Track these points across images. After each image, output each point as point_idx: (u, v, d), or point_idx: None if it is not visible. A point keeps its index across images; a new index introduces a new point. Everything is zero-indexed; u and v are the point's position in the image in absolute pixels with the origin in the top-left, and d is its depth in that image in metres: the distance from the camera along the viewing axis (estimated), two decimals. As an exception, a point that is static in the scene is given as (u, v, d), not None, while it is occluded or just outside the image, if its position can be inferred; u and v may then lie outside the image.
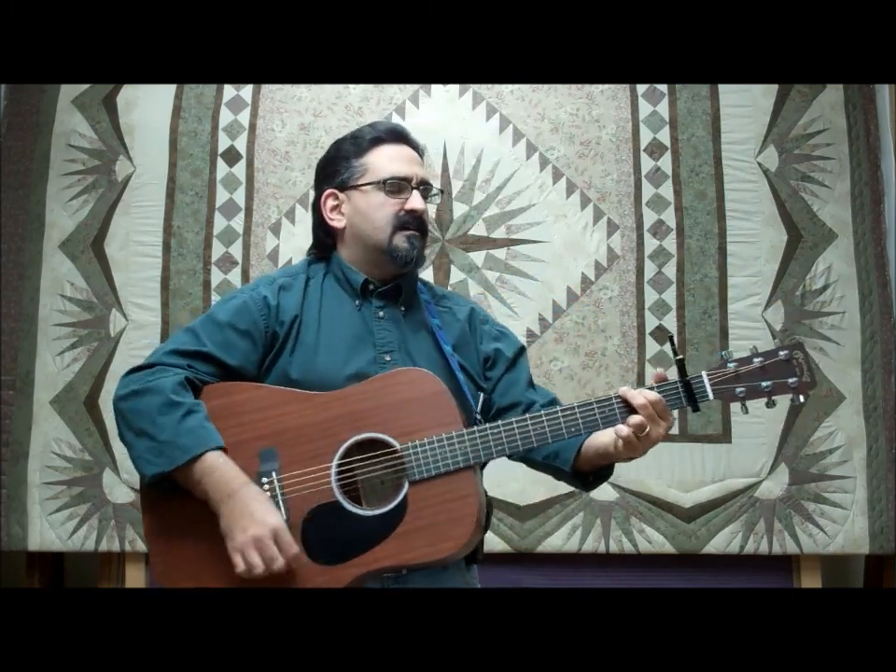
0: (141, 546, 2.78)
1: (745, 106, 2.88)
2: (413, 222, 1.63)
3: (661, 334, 2.80)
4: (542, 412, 1.52)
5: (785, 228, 2.82)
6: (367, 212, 1.64)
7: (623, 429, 1.47)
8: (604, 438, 1.55)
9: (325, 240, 1.71)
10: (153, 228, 2.92)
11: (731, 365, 1.50)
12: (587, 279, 2.83)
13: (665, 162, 2.87)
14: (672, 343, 1.55)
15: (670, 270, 2.82)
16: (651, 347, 2.79)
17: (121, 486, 2.81)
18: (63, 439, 2.85)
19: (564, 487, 2.72)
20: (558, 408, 1.51)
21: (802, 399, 1.51)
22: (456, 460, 1.48)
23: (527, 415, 1.52)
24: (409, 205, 1.63)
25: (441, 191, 1.74)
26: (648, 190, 2.86)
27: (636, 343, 2.79)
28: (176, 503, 1.53)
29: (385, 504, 1.48)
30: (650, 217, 2.85)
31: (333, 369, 1.58)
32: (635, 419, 1.47)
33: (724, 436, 2.74)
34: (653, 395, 1.48)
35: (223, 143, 2.95)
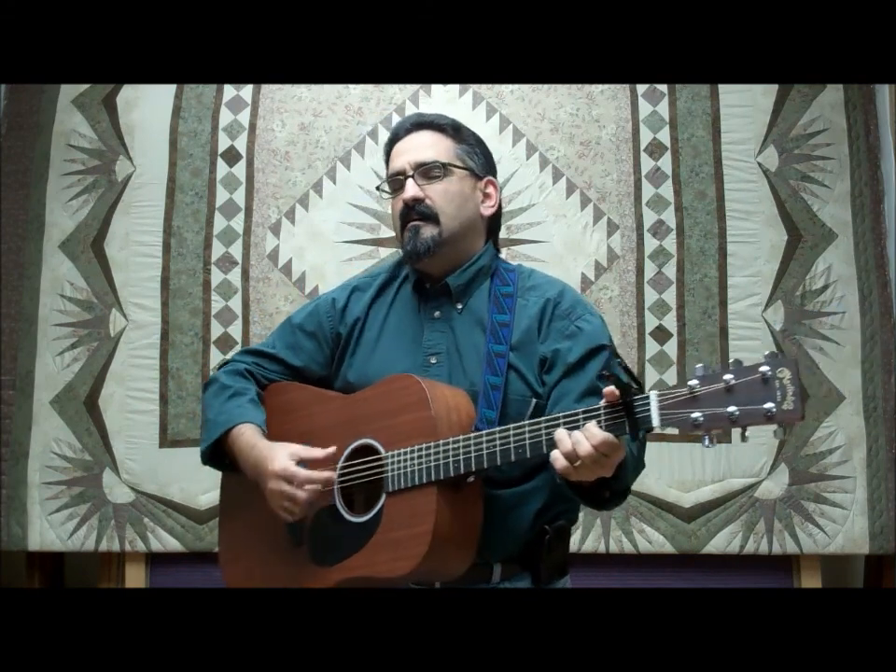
0: (141, 546, 2.78)
1: (745, 106, 2.88)
2: (409, 213, 1.59)
3: (661, 334, 2.80)
4: (497, 428, 1.40)
5: (785, 228, 2.82)
6: (391, 218, 1.68)
7: (554, 466, 1.31)
8: None
9: None
10: (153, 228, 2.92)
11: (692, 382, 1.21)
12: (587, 279, 2.82)
13: (665, 162, 2.86)
14: (616, 356, 1.30)
15: (670, 270, 2.82)
16: (651, 347, 2.79)
17: (121, 486, 2.81)
18: (62, 439, 2.85)
19: (564, 487, 2.73)
20: (511, 426, 1.38)
21: (783, 432, 1.18)
22: (421, 474, 1.42)
23: (484, 431, 1.40)
24: (402, 197, 1.60)
25: (444, 165, 1.61)
26: (648, 190, 2.86)
27: (636, 343, 2.79)
28: (234, 489, 1.66)
29: (368, 513, 1.48)
30: (650, 217, 2.85)
31: (384, 372, 1.56)
32: (556, 463, 1.30)
33: (724, 435, 2.74)
34: (582, 446, 1.27)
35: (223, 143, 2.95)
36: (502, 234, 2.85)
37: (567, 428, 1.30)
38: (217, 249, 2.90)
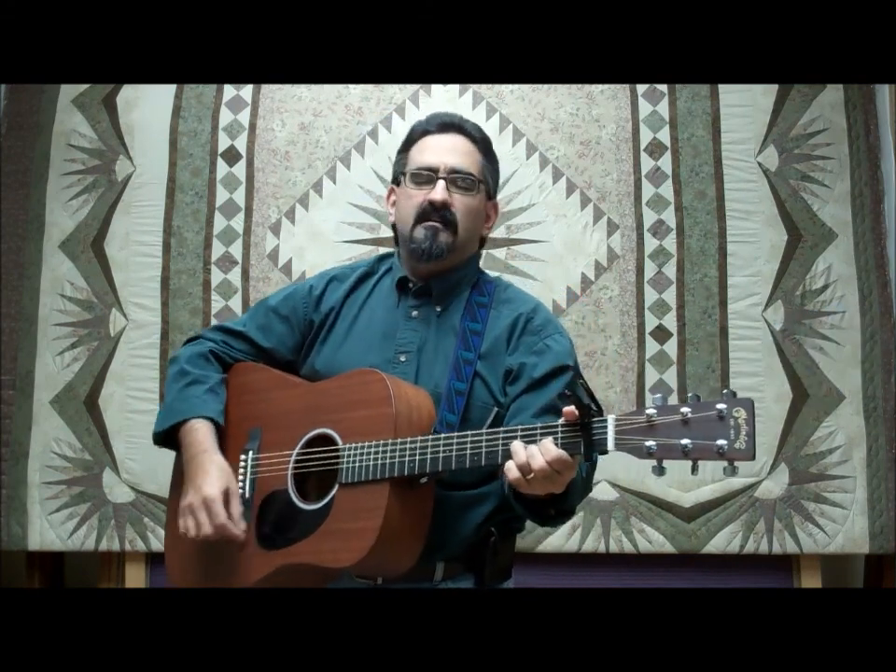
0: (141, 546, 2.78)
1: (745, 106, 2.88)
2: (433, 213, 1.60)
3: (661, 334, 2.80)
4: (455, 434, 1.42)
5: (785, 228, 2.82)
6: (400, 204, 1.67)
7: (507, 476, 1.34)
8: None
9: (395, 235, 1.74)
10: (153, 228, 2.92)
11: (649, 411, 1.25)
12: (587, 279, 2.82)
13: (665, 162, 2.86)
14: (579, 376, 1.34)
15: (670, 270, 2.82)
16: (651, 347, 2.79)
17: (121, 486, 2.81)
18: (62, 438, 2.85)
19: (564, 487, 2.73)
20: (469, 433, 1.41)
21: (735, 468, 1.22)
22: (375, 470, 1.43)
23: (442, 435, 1.43)
24: (429, 196, 1.60)
25: (477, 180, 1.65)
26: (648, 190, 2.86)
27: (636, 343, 2.79)
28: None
29: (321, 501, 1.49)
30: (650, 217, 2.85)
31: (353, 363, 1.58)
32: (510, 473, 1.33)
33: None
34: (536, 460, 1.30)
35: (223, 143, 2.95)
36: (502, 234, 2.87)
37: (524, 442, 1.33)
38: (217, 249, 2.90)
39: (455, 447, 1.40)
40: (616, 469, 2.69)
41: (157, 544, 2.77)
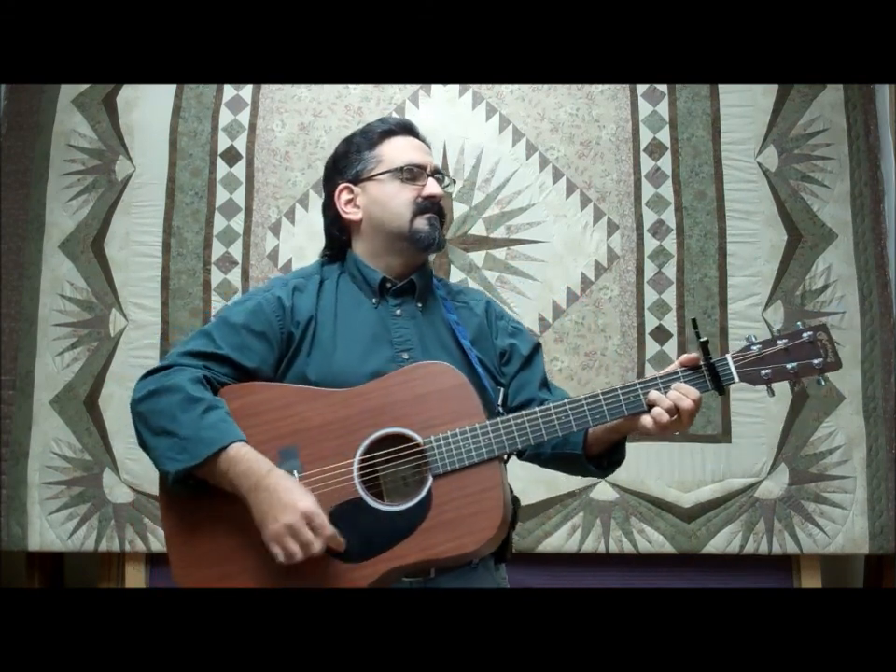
0: (141, 546, 2.78)
1: (745, 106, 2.88)
2: (432, 207, 1.65)
3: (661, 334, 2.80)
4: (566, 400, 1.51)
5: (785, 228, 2.82)
6: (384, 200, 1.65)
7: (651, 425, 1.49)
8: None
9: (339, 238, 1.71)
10: (153, 228, 2.92)
11: (755, 348, 1.52)
12: (587, 279, 2.83)
13: (665, 162, 2.87)
14: (695, 327, 1.55)
15: (670, 270, 2.82)
16: (651, 347, 2.79)
17: (121, 486, 2.81)
18: (62, 439, 2.85)
19: (564, 487, 2.73)
20: (582, 396, 1.51)
21: (824, 381, 1.52)
22: (480, 452, 1.46)
23: (550, 405, 1.50)
24: (426, 191, 1.64)
25: (454, 181, 1.73)
26: (648, 190, 2.86)
27: (635, 343, 2.79)
28: (196, 503, 1.52)
29: (409, 499, 1.46)
30: (650, 217, 2.85)
31: (351, 369, 1.56)
32: (661, 418, 1.48)
33: (724, 436, 2.74)
34: (684, 402, 1.48)
35: (223, 143, 2.95)
36: (502, 234, 2.87)
37: (629, 397, 1.52)
38: (217, 249, 2.90)
39: (570, 413, 1.50)
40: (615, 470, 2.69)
41: (157, 544, 2.77)
